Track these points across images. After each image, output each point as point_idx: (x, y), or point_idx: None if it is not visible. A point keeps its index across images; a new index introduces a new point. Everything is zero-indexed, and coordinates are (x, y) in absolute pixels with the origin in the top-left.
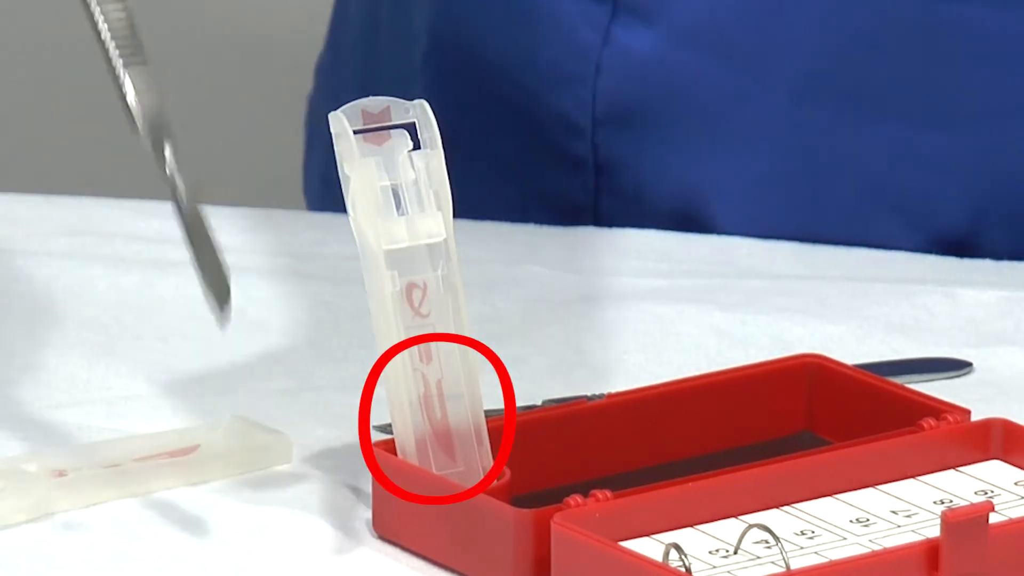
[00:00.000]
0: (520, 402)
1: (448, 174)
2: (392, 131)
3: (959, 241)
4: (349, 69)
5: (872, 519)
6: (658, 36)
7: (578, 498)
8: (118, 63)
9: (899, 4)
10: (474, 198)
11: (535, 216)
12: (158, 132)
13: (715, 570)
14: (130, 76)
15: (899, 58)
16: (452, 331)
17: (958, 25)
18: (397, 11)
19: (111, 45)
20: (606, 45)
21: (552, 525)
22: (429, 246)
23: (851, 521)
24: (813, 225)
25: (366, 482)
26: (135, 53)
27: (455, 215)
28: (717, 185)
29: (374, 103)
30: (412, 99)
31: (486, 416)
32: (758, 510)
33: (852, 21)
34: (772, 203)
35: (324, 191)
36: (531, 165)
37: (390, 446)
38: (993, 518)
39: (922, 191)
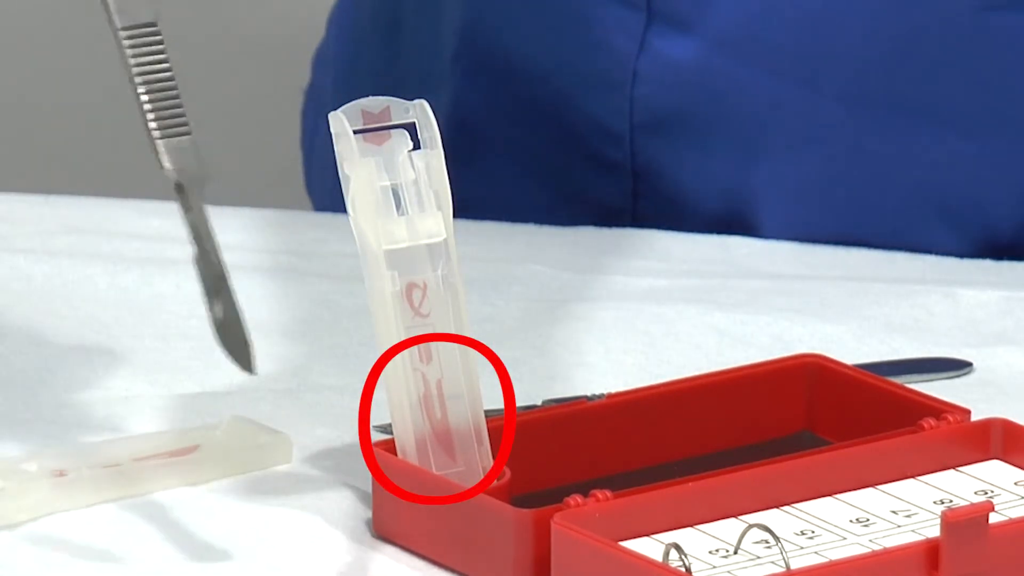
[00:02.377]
0: (520, 402)
1: (477, 174)
2: (392, 131)
3: (1006, 246)
4: (367, 66)
5: (872, 519)
6: (696, 44)
7: (578, 498)
8: (155, 133)
9: (947, 12)
10: (506, 198)
11: (570, 218)
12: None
13: (715, 570)
14: (166, 149)
15: (947, 65)
16: (452, 331)
17: (1007, 33)
18: (422, 10)
19: (150, 115)
20: (642, 52)
21: (552, 525)
22: (429, 246)
23: (851, 521)
24: (858, 229)
25: (366, 482)
26: (176, 124)
27: (484, 214)
28: (761, 190)
29: (374, 103)
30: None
31: (486, 416)
32: (758, 510)
33: (900, 28)
34: (817, 207)
35: (336, 185)
36: (566, 168)
37: (390, 446)
38: (993, 518)
39: (970, 197)
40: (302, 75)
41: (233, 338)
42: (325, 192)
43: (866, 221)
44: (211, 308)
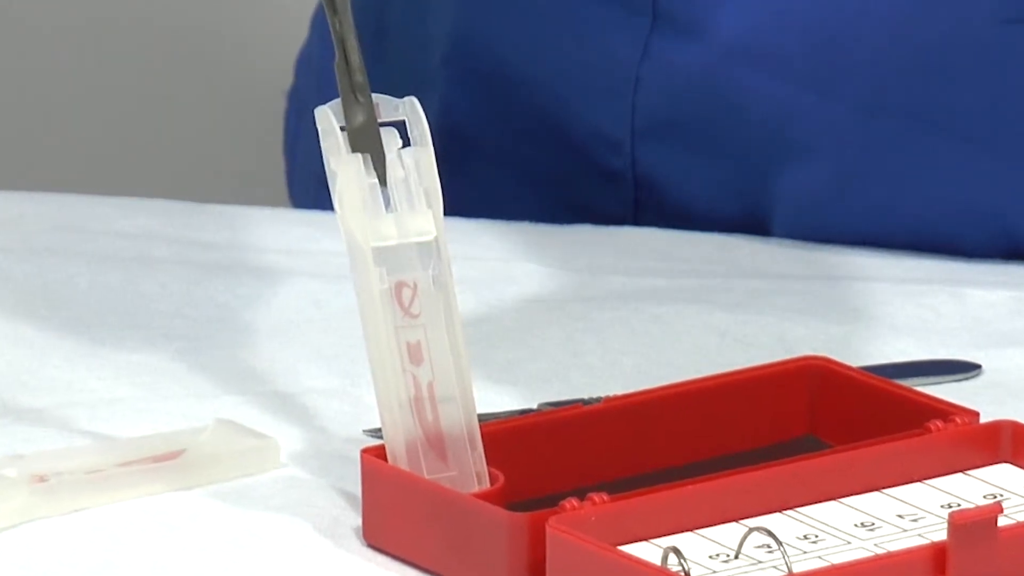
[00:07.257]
0: (516, 405)
1: (469, 181)
2: (381, 128)
3: None
4: None
5: (877, 523)
6: (703, 50)
7: (574, 501)
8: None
9: (966, 24)
10: (500, 207)
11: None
12: None
13: (715, 574)
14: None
15: (965, 77)
16: (444, 332)
17: None
18: (410, 12)
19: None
20: (645, 58)
21: (547, 529)
22: (419, 245)
23: (856, 525)
24: (869, 241)
25: (356, 487)
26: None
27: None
28: (768, 200)
29: None
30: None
31: (479, 420)
32: (760, 514)
33: (918, 39)
34: (828, 219)
35: (319, 191)
36: (564, 177)
37: (380, 451)
38: (1003, 522)
39: (989, 208)
40: (285, 77)
41: (367, 147)
42: (308, 197)
43: (877, 233)
44: (349, 115)
